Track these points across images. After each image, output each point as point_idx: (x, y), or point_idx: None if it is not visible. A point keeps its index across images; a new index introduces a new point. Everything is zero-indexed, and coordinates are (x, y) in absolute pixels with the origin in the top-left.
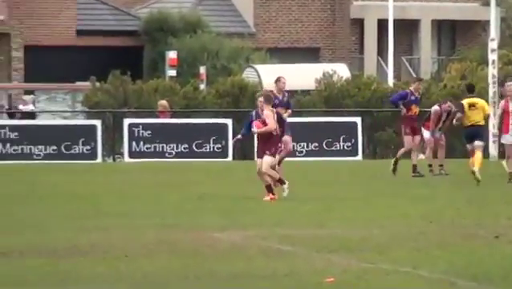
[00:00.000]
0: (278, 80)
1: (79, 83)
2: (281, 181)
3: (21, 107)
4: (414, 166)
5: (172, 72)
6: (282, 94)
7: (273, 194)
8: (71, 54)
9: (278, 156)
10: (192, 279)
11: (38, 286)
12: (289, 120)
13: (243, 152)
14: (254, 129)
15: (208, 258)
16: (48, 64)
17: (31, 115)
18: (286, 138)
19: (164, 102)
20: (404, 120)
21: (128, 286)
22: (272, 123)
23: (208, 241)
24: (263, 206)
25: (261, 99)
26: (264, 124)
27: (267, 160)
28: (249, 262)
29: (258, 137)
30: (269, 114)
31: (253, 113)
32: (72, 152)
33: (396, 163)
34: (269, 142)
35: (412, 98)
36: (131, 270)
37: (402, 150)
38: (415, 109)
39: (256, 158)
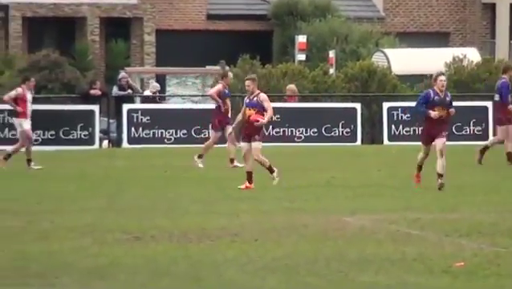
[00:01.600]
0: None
1: (208, 67)
2: (270, 169)
3: (147, 92)
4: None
5: (301, 56)
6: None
7: (249, 183)
8: (202, 38)
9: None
10: (321, 263)
11: (169, 269)
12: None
13: (372, 136)
14: (260, 122)
15: (337, 242)
16: (179, 48)
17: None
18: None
19: (292, 86)
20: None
21: (258, 270)
22: (271, 107)
23: (337, 224)
24: (392, 190)
25: (248, 82)
26: (258, 112)
27: (258, 146)
28: (379, 246)
29: (246, 121)
30: (266, 97)
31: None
32: (202, 136)
33: (483, 152)
34: (257, 126)
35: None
36: (260, 254)
37: (495, 138)
38: None
39: (241, 142)
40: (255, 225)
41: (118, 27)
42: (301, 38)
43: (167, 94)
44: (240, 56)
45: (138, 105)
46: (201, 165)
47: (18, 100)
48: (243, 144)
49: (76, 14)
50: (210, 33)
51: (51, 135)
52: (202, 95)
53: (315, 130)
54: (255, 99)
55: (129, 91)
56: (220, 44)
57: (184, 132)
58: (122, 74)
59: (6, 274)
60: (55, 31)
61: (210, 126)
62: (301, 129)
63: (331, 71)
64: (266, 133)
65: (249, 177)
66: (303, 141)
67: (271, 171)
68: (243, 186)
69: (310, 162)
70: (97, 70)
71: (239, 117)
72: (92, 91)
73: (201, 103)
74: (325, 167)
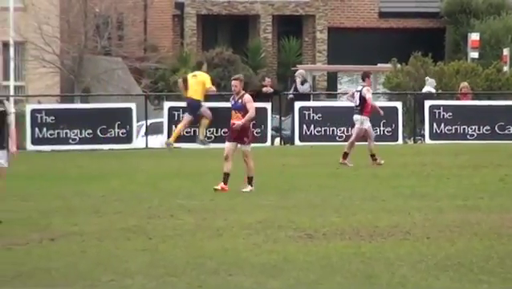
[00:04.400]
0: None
1: (380, 65)
2: (251, 180)
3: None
4: None
5: (474, 54)
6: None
7: (225, 184)
8: (373, 35)
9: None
10: (495, 261)
11: (341, 266)
12: None
13: None
14: (236, 125)
15: (511, 240)
16: (350, 46)
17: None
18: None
19: (466, 84)
20: None
21: (430, 268)
22: (254, 108)
23: (511, 222)
24: None
25: (235, 83)
26: (244, 115)
27: (248, 149)
28: None
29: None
30: (250, 98)
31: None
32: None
33: None
34: (244, 127)
35: None
36: (432, 251)
37: None
38: None
39: (226, 142)
40: (427, 223)
41: (290, 25)
42: (474, 36)
43: (338, 92)
44: (412, 54)
45: (310, 103)
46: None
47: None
48: (228, 144)
49: (249, 11)
50: (382, 31)
51: (224, 132)
52: (374, 93)
53: (488, 128)
54: (240, 100)
55: (305, 86)
56: (391, 42)
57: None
58: (300, 71)
59: (183, 271)
60: (229, 29)
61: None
62: (473, 127)
63: (505, 68)
64: (438, 130)
65: (226, 177)
66: (476, 139)
67: (250, 181)
68: (218, 187)
69: (483, 160)
70: (269, 68)
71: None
72: (264, 89)
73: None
74: (499, 164)
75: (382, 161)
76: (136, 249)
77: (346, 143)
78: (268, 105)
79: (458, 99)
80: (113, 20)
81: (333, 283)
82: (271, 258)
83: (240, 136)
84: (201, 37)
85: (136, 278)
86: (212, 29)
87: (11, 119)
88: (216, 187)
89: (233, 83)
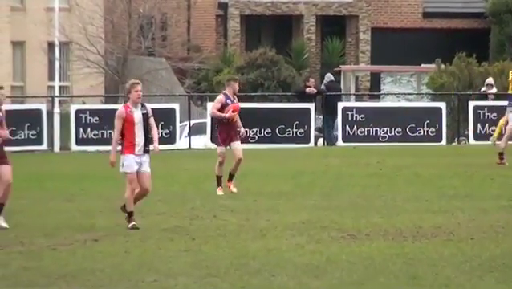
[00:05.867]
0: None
1: (424, 66)
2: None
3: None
4: None
5: None
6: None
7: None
8: (417, 36)
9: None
10: None
11: (384, 267)
12: None
13: None
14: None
15: None
16: (394, 46)
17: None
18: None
19: None
20: None
21: (474, 269)
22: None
23: None
24: None
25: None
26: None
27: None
28: None
29: (227, 123)
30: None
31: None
32: (417, 134)
33: None
34: (233, 127)
35: None
36: (476, 252)
37: None
38: None
39: (221, 145)
40: (471, 224)
41: (333, 25)
42: None
43: (381, 92)
44: (456, 54)
45: (353, 103)
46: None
47: None
48: (221, 149)
49: (293, 11)
50: (426, 31)
51: (267, 133)
52: (417, 94)
53: None
54: (235, 101)
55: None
56: (435, 42)
57: (399, 130)
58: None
59: (226, 271)
60: (272, 29)
61: None
62: None
63: None
64: (482, 132)
65: (220, 180)
66: None
67: (231, 178)
68: (231, 188)
69: None
70: (312, 68)
71: None
72: (308, 90)
73: (416, 101)
74: None
75: (507, 163)
76: (179, 249)
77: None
78: (311, 105)
79: None
80: (157, 20)
81: (376, 284)
82: (314, 259)
83: (234, 133)
84: (245, 37)
85: (179, 278)
86: (255, 29)
87: (152, 121)
88: (219, 193)
89: (237, 84)
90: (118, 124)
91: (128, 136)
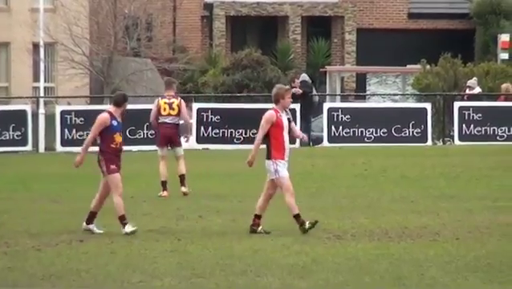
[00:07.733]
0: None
1: (409, 66)
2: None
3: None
4: None
5: (504, 55)
6: None
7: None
8: (402, 37)
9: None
10: None
11: (370, 268)
12: None
13: None
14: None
15: None
16: (379, 47)
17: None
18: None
19: (506, 85)
20: None
21: (460, 270)
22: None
23: None
24: None
25: None
26: None
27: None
28: None
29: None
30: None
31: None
32: (402, 134)
33: None
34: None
35: None
36: (462, 252)
37: None
38: None
39: (161, 147)
40: (456, 224)
41: (319, 26)
42: (504, 37)
43: (367, 93)
44: (441, 55)
45: (338, 104)
46: None
47: None
48: (164, 151)
49: (278, 12)
50: (411, 32)
51: (253, 134)
52: (403, 94)
53: None
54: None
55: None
56: (421, 43)
57: (385, 130)
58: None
59: (211, 272)
60: (257, 30)
61: None
62: (503, 128)
63: None
64: (468, 132)
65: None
66: (506, 140)
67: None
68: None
69: None
70: (298, 69)
71: None
72: (294, 90)
73: (401, 102)
74: None
75: None
76: (165, 250)
77: (375, 144)
78: (297, 106)
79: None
80: (142, 21)
81: (362, 284)
82: (300, 260)
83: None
84: (230, 38)
85: (164, 279)
86: (241, 30)
87: (293, 125)
88: (163, 194)
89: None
90: (265, 127)
91: (276, 140)
